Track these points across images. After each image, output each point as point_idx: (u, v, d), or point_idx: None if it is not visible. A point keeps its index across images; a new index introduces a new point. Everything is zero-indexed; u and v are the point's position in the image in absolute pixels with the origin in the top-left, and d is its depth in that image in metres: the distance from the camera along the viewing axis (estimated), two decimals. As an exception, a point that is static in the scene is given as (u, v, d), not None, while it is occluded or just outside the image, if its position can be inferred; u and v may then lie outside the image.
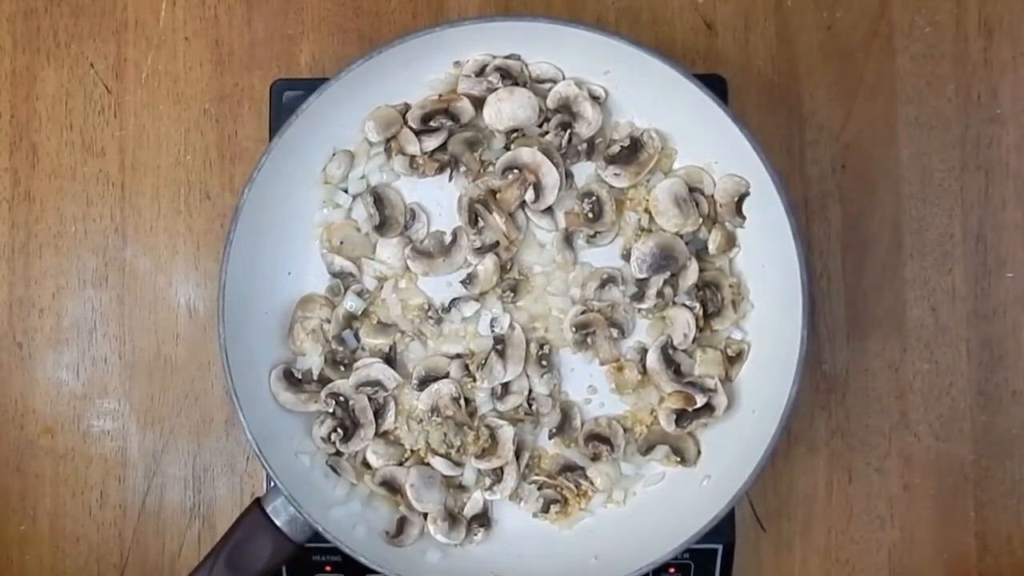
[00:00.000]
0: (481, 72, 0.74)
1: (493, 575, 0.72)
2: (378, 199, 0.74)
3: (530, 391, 0.74)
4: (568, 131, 0.74)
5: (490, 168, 0.75)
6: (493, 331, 0.74)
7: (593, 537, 0.74)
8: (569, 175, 0.75)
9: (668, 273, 0.73)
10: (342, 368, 0.74)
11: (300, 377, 0.74)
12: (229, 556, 0.68)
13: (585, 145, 0.74)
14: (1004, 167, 0.80)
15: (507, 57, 0.74)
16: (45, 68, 0.80)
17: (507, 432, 0.73)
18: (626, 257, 0.75)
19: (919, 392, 0.79)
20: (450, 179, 0.75)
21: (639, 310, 0.75)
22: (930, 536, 0.79)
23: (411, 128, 0.74)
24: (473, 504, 0.74)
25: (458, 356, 0.75)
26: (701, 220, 0.74)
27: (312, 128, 0.71)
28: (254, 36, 0.81)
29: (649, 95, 0.73)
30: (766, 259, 0.73)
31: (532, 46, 0.73)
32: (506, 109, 0.73)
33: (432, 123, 0.74)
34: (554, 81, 0.74)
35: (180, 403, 0.79)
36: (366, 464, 0.74)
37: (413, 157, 0.75)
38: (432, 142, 0.74)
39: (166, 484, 0.79)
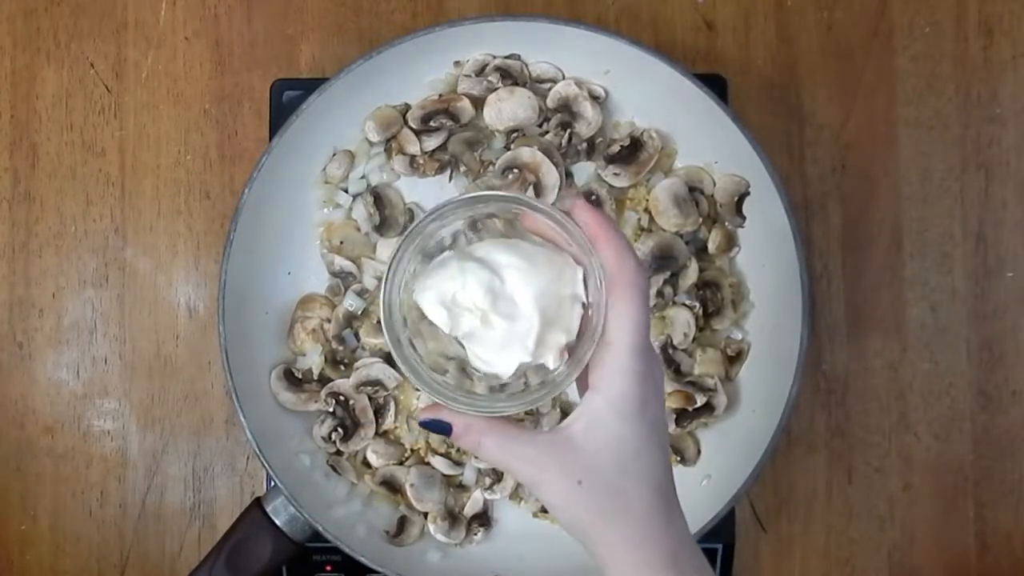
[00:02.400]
0: (481, 72, 0.74)
1: (493, 575, 0.72)
2: (378, 199, 0.74)
3: (530, 391, 0.74)
4: (568, 131, 0.74)
5: (490, 168, 0.75)
6: (493, 331, 0.74)
7: (593, 537, 0.74)
8: (569, 175, 0.75)
9: (668, 273, 0.73)
10: (342, 368, 0.74)
11: (300, 377, 0.74)
12: (229, 556, 0.68)
13: (585, 145, 0.74)
14: (1004, 167, 0.80)
15: (507, 57, 0.74)
16: (45, 68, 0.80)
17: (507, 432, 0.73)
18: (626, 257, 0.75)
19: (919, 392, 0.79)
20: (450, 179, 0.75)
21: (639, 310, 0.75)
22: (930, 536, 0.79)
23: (411, 128, 0.74)
24: (473, 503, 0.74)
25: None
26: (701, 220, 0.74)
27: (312, 128, 0.71)
28: (254, 36, 0.81)
29: (649, 95, 0.73)
30: (766, 259, 0.73)
31: (532, 46, 0.73)
32: (506, 109, 0.73)
33: (432, 123, 0.74)
34: (554, 81, 0.74)
35: (180, 403, 0.79)
36: (366, 463, 0.74)
37: (413, 157, 0.75)
38: (432, 142, 0.74)
39: (166, 484, 0.79)
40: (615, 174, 0.74)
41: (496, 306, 0.48)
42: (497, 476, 0.74)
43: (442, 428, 0.50)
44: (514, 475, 0.50)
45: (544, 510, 0.74)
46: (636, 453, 0.48)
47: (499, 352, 0.49)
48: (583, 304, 0.49)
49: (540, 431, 0.50)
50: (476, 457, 0.73)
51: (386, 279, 0.50)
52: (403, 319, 0.51)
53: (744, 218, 0.74)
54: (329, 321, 0.74)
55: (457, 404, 0.50)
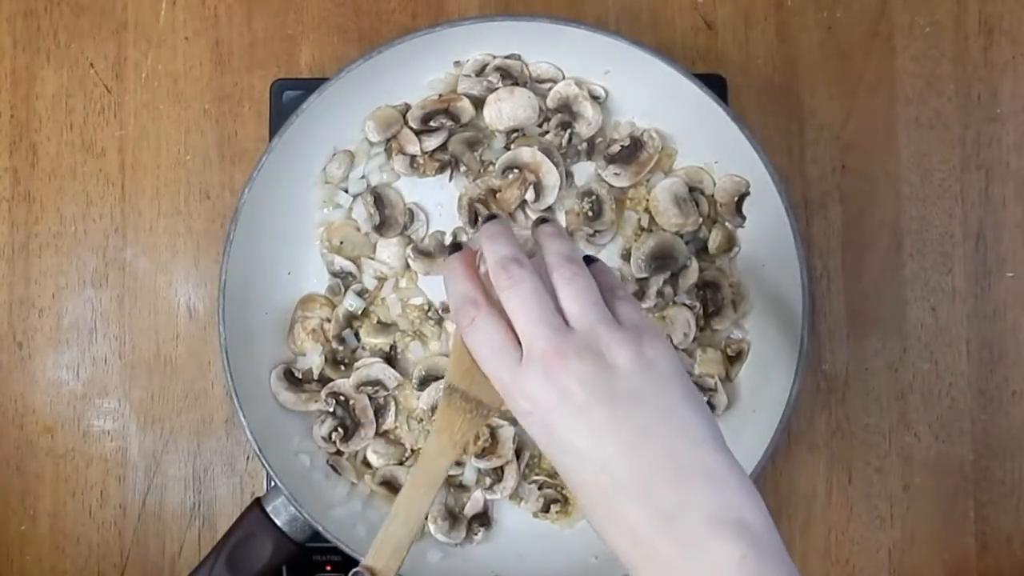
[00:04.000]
0: (481, 72, 0.74)
1: (493, 575, 0.72)
2: (378, 199, 0.74)
3: (530, 391, 0.74)
4: (568, 131, 0.74)
5: (490, 168, 0.75)
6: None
7: (593, 537, 0.73)
8: (569, 175, 0.75)
9: (668, 273, 0.73)
10: (342, 368, 0.74)
11: (300, 377, 0.74)
12: (229, 556, 0.68)
13: (585, 145, 0.74)
14: (1004, 167, 0.80)
15: (507, 57, 0.74)
16: (45, 68, 0.80)
17: (507, 432, 0.73)
18: (626, 257, 0.75)
19: (919, 392, 0.79)
20: (450, 179, 0.75)
21: (639, 310, 0.75)
22: (930, 536, 0.79)
23: (411, 128, 0.74)
24: (473, 504, 0.74)
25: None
26: (701, 220, 0.74)
27: (312, 128, 0.71)
28: (254, 36, 0.81)
29: (649, 95, 0.73)
30: (766, 259, 0.73)
31: (532, 46, 0.73)
32: (506, 109, 0.73)
33: (432, 123, 0.74)
34: (554, 81, 0.74)
35: (180, 403, 0.79)
36: (366, 463, 0.74)
37: (413, 157, 0.75)
38: (432, 142, 0.74)
39: (166, 484, 0.79)
40: (615, 174, 0.74)
41: None
42: (497, 476, 0.74)
43: None
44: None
45: (545, 509, 0.74)
46: (559, 462, 0.50)
47: None
48: None
49: None
50: (476, 457, 0.73)
51: None
52: None
53: (744, 218, 0.74)
54: (329, 321, 0.74)
55: None
